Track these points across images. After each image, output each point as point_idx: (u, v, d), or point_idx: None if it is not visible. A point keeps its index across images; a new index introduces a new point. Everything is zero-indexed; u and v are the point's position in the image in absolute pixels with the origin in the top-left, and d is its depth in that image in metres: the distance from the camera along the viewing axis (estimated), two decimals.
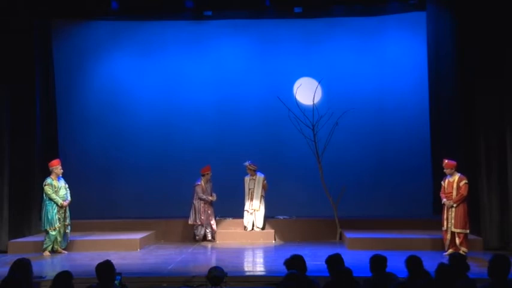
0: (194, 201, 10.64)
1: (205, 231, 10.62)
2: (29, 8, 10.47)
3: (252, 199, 10.72)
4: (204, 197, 10.59)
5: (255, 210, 10.70)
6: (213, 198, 10.67)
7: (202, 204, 10.60)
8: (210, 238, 10.63)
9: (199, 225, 10.59)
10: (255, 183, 10.75)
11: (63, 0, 10.97)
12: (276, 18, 12.09)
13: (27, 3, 10.42)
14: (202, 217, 10.56)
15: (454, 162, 8.78)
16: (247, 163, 10.78)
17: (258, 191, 10.71)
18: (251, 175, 10.81)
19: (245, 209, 10.75)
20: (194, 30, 12.26)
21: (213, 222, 10.69)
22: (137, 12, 11.76)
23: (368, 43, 12.06)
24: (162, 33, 12.25)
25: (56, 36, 11.87)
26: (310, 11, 11.79)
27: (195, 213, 10.59)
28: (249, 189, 10.79)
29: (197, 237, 10.61)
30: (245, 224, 10.77)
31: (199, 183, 10.66)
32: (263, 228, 10.76)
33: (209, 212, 10.65)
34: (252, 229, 10.73)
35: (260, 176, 10.79)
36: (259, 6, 11.38)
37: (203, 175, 10.69)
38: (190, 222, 10.62)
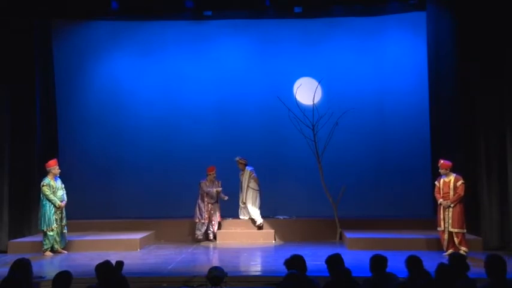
0: (198, 200, 10.64)
1: (207, 230, 10.61)
2: (29, 8, 10.46)
3: (241, 192, 10.87)
4: (209, 189, 10.58)
5: (245, 204, 10.81)
6: (219, 189, 10.65)
7: (206, 203, 10.60)
8: (211, 238, 10.63)
9: (202, 223, 10.58)
10: (244, 177, 10.87)
11: (63, 0, 10.97)
12: (276, 18, 12.09)
13: (27, 3, 10.41)
14: (206, 215, 10.56)
15: (449, 163, 8.78)
16: (237, 158, 10.92)
17: (245, 185, 10.83)
18: (242, 170, 10.92)
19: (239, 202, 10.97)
20: (194, 30, 12.26)
21: (214, 222, 10.67)
22: (137, 12, 11.75)
23: (368, 43, 12.06)
24: (162, 33, 12.25)
25: (56, 36, 11.87)
26: (310, 11, 11.79)
27: (199, 211, 10.59)
28: (240, 183, 10.93)
29: (198, 236, 10.58)
30: (240, 215, 10.93)
31: (202, 181, 10.71)
32: (259, 222, 10.79)
33: (212, 211, 10.65)
34: (251, 220, 10.83)
35: (247, 170, 10.89)
36: (259, 6, 11.37)
37: (208, 174, 10.73)
38: (195, 220, 10.63)
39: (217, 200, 10.76)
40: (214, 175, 10.74)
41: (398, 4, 11.65)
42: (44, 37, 11.46)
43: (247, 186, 10.81)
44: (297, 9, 11.50)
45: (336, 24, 12.14)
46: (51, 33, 11.77)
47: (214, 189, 10.64)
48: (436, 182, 8.91)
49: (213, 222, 10.67)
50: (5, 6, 10.01)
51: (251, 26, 12.27)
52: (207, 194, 10.59)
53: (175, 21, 12.23)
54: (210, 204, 10.64)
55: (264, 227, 10.84)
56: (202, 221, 10.57)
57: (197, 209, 10.63)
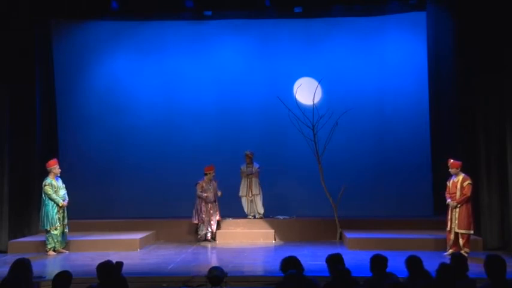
0: (196, 201, 10.63)
1: (206, 230, 10.60)
2: (29, 8, 10.47)
3: (250, 186, 10.93)
4: (203, 194, 10.54)
5: (254, 195, 10.92)
6: (209, 194, 10.56)
7: (203, 203, 10.57)
8: (209, 238, 10.60)
9: (201, 224, 10.57)
10: (252, 171, 10.97)
11: (63, 0, 10.97)
12: (276, 18, 12.10)
13: (27, 3, 10.42)
14: (204, 216, 10.54)
15: (459, 162, 8.73)
16: (246, 151, 10.99)
17: (256, 178, 10.98)
18: (248, 163, 10.99)
19: (240, 194, 11.01)
20: (194, 30, 12.26)
21: (213, 222, 10.63)
22: (137, 12, 11.77)
23: (368, 43, 12.06)
24: (162, 33, 12.26)
25: (56, 36, 11.88)
26: (310, 11, 11.80)
27: (196, 212, 10.59)
28: (248, 176, 10.97)
29: (199, 237, 10.58)
30: (246, 211, 11.02)
31: (199, 182, 10.66)
32: (263, 214, 10.97)
33: (211, 211, 10.61)
34: (254, 217, 10.95)
35: (256, 166, 11.01)
36: (259, 6, 11.40)
37: (205, 174, 10.68)
38: (193, 221, 10.62)
39: (215, 199, 10.71)
40: (213, 174, 10.70)
41: (398, 4, 11.66)
42: (44, 37, 11.46)
43: (257, 181, 11.00)
44: (297, 9, 11.52)
45: (336, 24, 12.14)
46: (51, 33, 11.78)
47: (205, 195, 10.53)
48: (447, 182, 8.85)
49: (211, 222, 10.62)
50: (5, 6, 10.00)
51: (251, 26, 12.27)
52: (199, 197, 10.55)
53: (175, 21, 12.24)
54: (209, 204, 10.61)
55: (264, 227, 10.84)
56: (201, 221, 10.53)
57: (194, 209, 10.60)
